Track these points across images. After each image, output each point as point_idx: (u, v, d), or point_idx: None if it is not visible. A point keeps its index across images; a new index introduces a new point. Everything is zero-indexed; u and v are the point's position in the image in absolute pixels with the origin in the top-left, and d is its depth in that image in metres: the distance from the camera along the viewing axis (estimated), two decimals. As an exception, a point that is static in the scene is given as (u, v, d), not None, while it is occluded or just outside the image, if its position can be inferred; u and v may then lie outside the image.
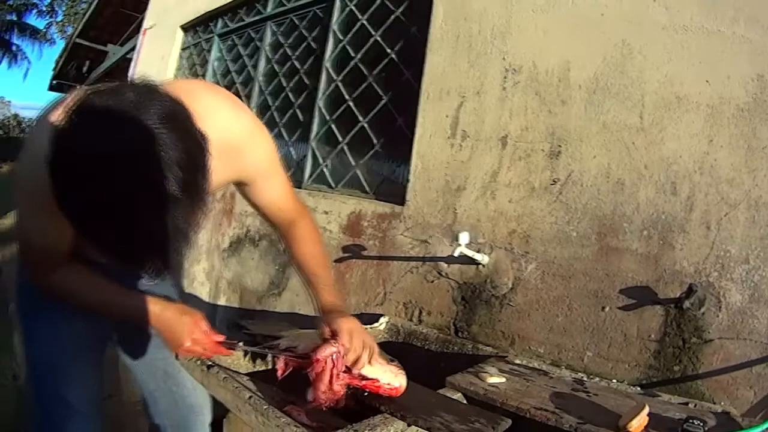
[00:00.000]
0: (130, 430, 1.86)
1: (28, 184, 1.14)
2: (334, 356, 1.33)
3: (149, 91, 0.93)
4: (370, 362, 1.41)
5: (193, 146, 0.94)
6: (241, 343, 1.53)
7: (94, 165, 0.85)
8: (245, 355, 1.72)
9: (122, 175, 0.86)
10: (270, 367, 1.75)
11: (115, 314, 1.47)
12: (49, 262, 1.31)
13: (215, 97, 1.29)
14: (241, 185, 1.45)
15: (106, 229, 0.90)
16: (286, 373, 1.46)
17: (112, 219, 0.88)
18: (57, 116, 0.92)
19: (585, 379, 1.75)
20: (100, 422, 1.58)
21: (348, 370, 1.37)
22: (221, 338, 1.46)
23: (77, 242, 1.28)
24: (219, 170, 1.09)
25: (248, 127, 1.35)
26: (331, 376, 1.33)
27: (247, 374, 1.64)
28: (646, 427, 1.28)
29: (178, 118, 0.93)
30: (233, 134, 1.28)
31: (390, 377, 1.46)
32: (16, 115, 25.25)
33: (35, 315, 1.52)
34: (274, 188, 1.47)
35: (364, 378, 1.42)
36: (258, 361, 1.75)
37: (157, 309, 1.42)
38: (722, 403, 1.57)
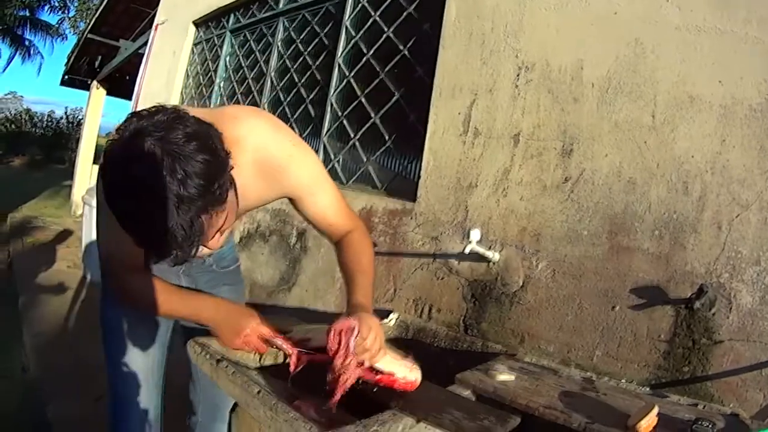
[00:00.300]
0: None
1: (102, 203, 1.34)
2: (349, 330, 1.33)
3: (177, 116, 1.15)
4: (372, 360, 1.41)
5: (213, 160, 1.15)
6: (281, 342, 1.55)
7: (125, 182, 1.10)
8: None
9: (145, 189, 1.09)
10: (281, 360, 1.76)
11: (180, 312, 1.61)
12: (124, 269, 1.51)
13: (257, 120, 1.45)
14: (291, 200, 1.58)
15: (141, 230, 1.14)
16: (298, 368, 1.49)
17: (141, 221, 1.12)
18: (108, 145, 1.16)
19: (594, 378, 1.74)
20: (159, 392, 1.82)
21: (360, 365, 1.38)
22: (271, 334, 1.54)
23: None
24: (262, 187, 1.48)
25: (288, 149, 1.47)
26: (346, 353, 1.33)
27: (256, 369, 1.64)
28: (655, 427, 1.28)
29: (200, 137, 1.14)
30: (273, 155, 1.44)
31: (405, 371, 1.46)
32: (28, 110, 25.40)
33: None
34: (321, 204, 1.57)
35: (379, 372, 1.43)
36: (267, 356, 1.76)
37: (215, 304, 1.58)
38: (731, 405, 1.56)
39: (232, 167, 1.23)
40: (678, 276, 1.73)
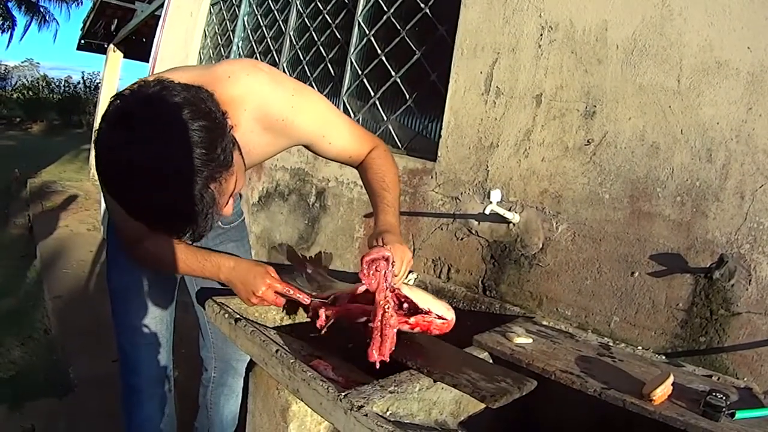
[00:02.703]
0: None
1: None
2: (384, 261, 1.32)
3: (162, 87, 1.12)
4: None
5: (210, 125, 1.12)
6: (296, 294, 1.58)
7: (121, 172, 1.08)
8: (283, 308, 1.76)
9: (144, 175, 1.06)
10: (299, 320, 1.79)
11: (195, 271, 1.62)
12: (136, 236, 1.52)
13: (253, 77, 1.41)
14: (305, 145, 1.59)
15: (149, 217, 1.14)
16: (327, 324, 1.49)
17: (147, 208, 1.12)
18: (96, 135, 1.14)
19: (611, 344, 1.76)
20: (169, 352, 1.89)
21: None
22: (285, 289, 1.56)
23: None
24: (268, 141, 1.48)
25: (288, 100, 1.44)
26: (384, 288, 1.34)
27: (274, 328, 1.67)
28: (669, 396, 1.30)
29: (191, 103, 1.11)
30: (274, 109, 1.42)
31: (443, 310, 1.48)
32: (45, 76, 25.52)
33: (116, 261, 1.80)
34: (336, 143, 1.57)
35: (415, 311, 1.44)
36: (285, 314, 1.79)
37: (231, 263, 1.60)
38: (745, 379, 1.57)
39: (232, 127, 1.20)
40: (698, 244, 1.72)
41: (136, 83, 1.15)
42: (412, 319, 1.44)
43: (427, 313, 1.45)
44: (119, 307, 1.81)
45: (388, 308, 1.35)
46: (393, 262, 1.33)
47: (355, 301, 1.48)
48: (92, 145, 1.15)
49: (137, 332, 1.80)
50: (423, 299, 1.47)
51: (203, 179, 1.10)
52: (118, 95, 1.13)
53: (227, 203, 1.25)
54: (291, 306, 1.72)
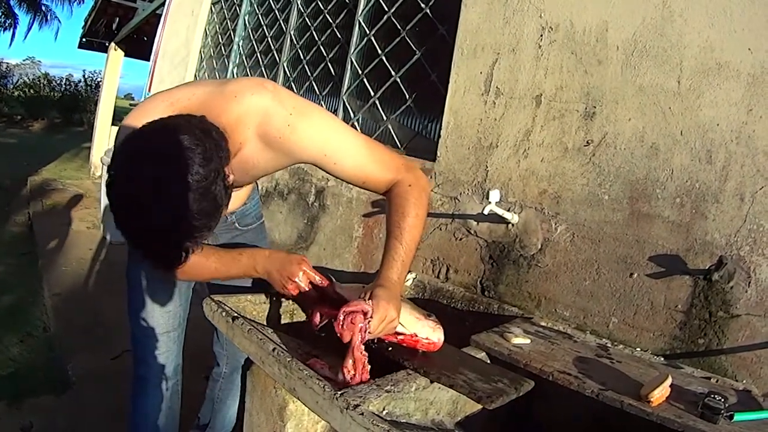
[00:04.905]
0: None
1: None
2: (363, 312, 1.31)
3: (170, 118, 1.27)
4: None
5: (205, 141, 1.21)
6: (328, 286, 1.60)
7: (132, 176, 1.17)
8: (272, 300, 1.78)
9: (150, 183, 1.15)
10: (296, 319, 1.80)
11: (231, 268, 1.65)
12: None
13: (256, 96, 1.45)
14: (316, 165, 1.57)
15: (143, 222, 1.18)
16: (322, 323, 1.52)
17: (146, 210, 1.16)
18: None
19: (609, 345, 1.76)
20: (180, 347, 1.94)
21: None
22: (320, 281, 1.60)
23: None
24: (271, 157, 1.52)
25: (286, 120, 1.46)
26: (360, 338, 1.31)
27: (271, 327, 1.68)
28: (667, 398, 1.30)
29: (193, 127, 1.22)
30: (272, 128, 1.45)
31: (428, 332, 1.48)
32: (46, 74, 25.48)
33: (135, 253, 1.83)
34: (344, 164, 1.51)
35: (401, 333, 1.45)
36: (282, 313, 1.79)
37: (266, 252, 1.66)
38: (744, 381, 1.57)
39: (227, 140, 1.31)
40: (698, 246, 1.71)
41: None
42: (400, 336, 1.45)
43: (413, 335, 1.46)
44: (134, 297, 1.85)
45: (359, 362, 1.33)
46: (371, 317, 1.31)
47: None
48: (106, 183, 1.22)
49: (149, 324, 1.84)
50: (410, 322, 1.46)
51: (210, 179, 1.20)
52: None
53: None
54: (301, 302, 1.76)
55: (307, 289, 1.58)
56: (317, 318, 1.52)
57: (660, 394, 1.28)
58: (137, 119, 1.35)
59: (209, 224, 1.22)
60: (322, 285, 1.59)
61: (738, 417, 1.26)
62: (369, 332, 1.32)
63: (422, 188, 1.52)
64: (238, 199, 1.90)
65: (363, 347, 1.33)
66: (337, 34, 3.69)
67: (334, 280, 1.62)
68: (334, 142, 1.49)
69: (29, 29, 24.74)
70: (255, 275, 1.64)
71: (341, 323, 1.31)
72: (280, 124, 1.45)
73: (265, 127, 1.44)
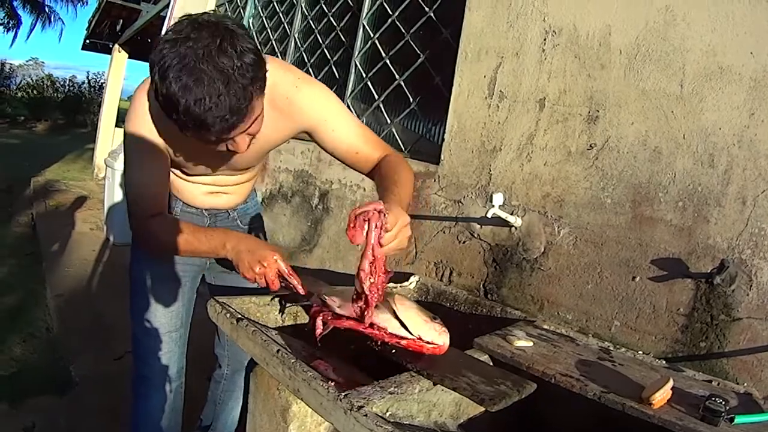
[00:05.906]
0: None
1: (136, 134, 1.54)
2: (378, 210, 1.19)
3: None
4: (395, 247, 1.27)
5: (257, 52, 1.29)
6: (296, 282, 1.57)
7: (182, 55, 1.21)
8: (280, 304, 1.76)
9: (205, 57, 1.21)
10: (301, 321, 1.80)
11: (204, 246, 1.63)
12: (149, 211, 1.59)
13: (269, 64, 1.44)
14: (311, 135, 1.63)
15: (197, 92, 1.21)
16: (324, 333, 1.47)
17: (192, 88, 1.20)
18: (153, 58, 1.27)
19: (611, 348, 1.76)
20: (183, 348, 1.95)
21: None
22: (288, 272, 1.56)
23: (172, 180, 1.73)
24: (276, 118, 1.55)
25: (292, 81, 1.55)
26: (376, 236, 1.20)
27: (275, 328, 1.67)
28: (668, 401, 1.30)
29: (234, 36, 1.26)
30: (279, 89, 1.51)
31: (433, 335, 1.41)
32: (49, 75, 25.57)
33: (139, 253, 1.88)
34: (341, 132, 1.59)
35: (405, 338, 1.41)
36: (287, 316, 1.79)
37: (240, 234, 1.65)
38: (745, 384, 1.57)
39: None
40: (700, 249, 1.72)
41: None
42: (404, 342, 1.41)
43: (418, 338, 1.41)
44: (137, 297, 1.86)
45: (372, 278, 1.26)
46: (386, 216, 1.20)
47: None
48: (156, 48, 1.28)
49: (151, 323, 1.84)
50: (416, 324, 1.42)
51: (249, 79, 1.25)
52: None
53: (244, 140, 1.37)
54: (291, 300, 1.74)
55: (273, 279, 1.53)
56: (319, 330, 1.47)
57: (661, 396, 1.28)
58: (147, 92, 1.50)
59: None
60: (290, 283, 1.56)
61: (739, 420, 1.26)
62: (386, 229, 1.20)
63: (409, 167, 1.62)
64: (239, 195, 1.96)
65: (381, 248, 1.22)
66: (341, 37, 3.71)
67: (324, 285, 1.60)
68: (335, 109, 1.59)
69: (32, 30, 24.73)
70: (223, 253, 1.58)
71: (353, 223, 1.19)
72: (287, 85, 1.53)
73: (273, 88, 1.46)
